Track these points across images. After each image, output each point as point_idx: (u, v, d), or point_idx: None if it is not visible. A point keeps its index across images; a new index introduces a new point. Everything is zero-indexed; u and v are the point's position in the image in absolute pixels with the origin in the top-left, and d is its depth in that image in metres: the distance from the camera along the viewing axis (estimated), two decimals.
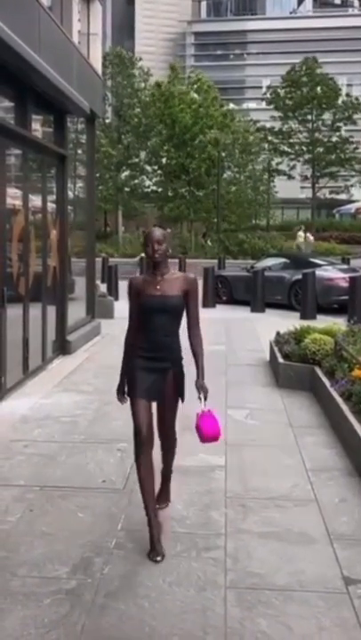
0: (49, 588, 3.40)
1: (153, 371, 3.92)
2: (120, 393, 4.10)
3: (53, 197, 9.71)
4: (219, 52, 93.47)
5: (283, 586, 3.48)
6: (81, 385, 7.86)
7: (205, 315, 14.40)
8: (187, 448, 5.53)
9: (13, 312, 7.49)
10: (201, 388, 3.95)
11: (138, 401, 3.93)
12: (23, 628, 3.09)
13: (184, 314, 3.97)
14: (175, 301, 3.87)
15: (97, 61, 12.42)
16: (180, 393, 4.06)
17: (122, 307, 14.10)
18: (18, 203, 7.89)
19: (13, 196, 7.70)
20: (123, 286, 18.62)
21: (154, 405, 4.03)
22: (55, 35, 8.90)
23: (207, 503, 4.49)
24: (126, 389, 4.05)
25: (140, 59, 44.93)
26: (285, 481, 4.91)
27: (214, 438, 3.91)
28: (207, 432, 3.88)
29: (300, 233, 34.20)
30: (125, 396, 4.06)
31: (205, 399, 3.94)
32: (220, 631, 3.08)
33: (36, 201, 8.70)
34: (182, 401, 4.10)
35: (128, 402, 4.01)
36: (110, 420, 6.19)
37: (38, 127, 9.38)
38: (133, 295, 3.92)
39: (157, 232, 3.84)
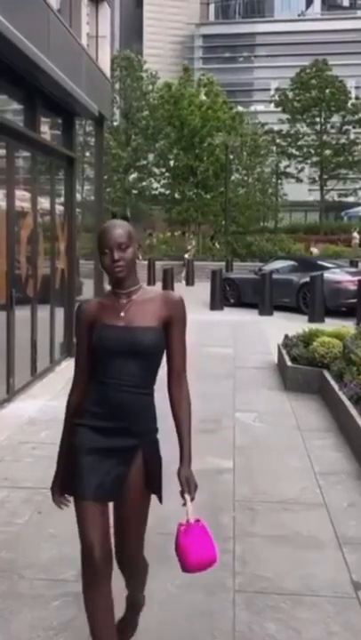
0: (57, 591, 3.40)
1: (109, 452, 2.48)
2: (56, 489, 2.63)
3: (62, 200, 9.73)
4: (227, 55, 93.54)
5: (292, 590, 3.46)
6: None
7: (213, 317, 14.60)
8: (194, 450, 5.53)
9: (22, 314, 7.51)
10: (186, 482, 2.56)
11: (84, 505, 2.46)
12: (31, 631, 3.08)
13: (164, 357, 2.62)
14: (149, 337, 2.47)
15: (105, 64, 12.45)
16: (153, 487, 2.60)
17: None
18: (26, 205, 7.91)
19: (22, 199, 7.71)
20: None
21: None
22: (64, 37, 8.92)
23: (215, 506, 4.47)
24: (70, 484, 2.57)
25: (146, 62, 45.02)
26: (294, 484, 4.89)
27: (207, 565, 2.51)
28: (196, 557, 2.45)
29: (356, 234, 34.20)
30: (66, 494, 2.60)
31: (192, 500, 2.52)
32: (228, 635, 3.07)
33: (44, 203, 8.72)
34: (160, 501, 2.66)
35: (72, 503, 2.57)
36: None
37: (47, 129, 9.41)
38: (83, 329, 2.54)
39: (118, 230, 2.45)
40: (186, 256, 26.22)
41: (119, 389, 2.49)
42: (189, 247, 27.53)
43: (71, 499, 2.55)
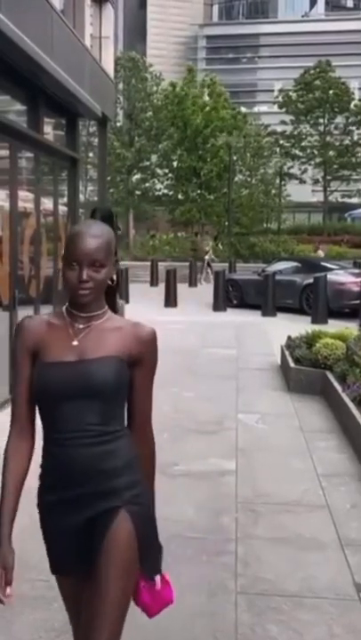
0: (58, 592, 3.38)
1: (85, 524, 1.93)
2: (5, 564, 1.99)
3: (65, 200, 9.73)
4: (230, 56, 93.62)
5: (294, 592, 3.45)
6: None
7: (216, 318, 14.59)
8: (197, 452, 5.53)
9: (24, 315, 7.50)
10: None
11: (62, 581, 2.13)
12: (33, 632, 3.08)
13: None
14: (110, 370, 1.92)
15: (109, 65, 12.46)
16: (147, 564, 2.04)
17: (132, 309, 14.19)
18: (29, 206, 7.91)
19: (25, 199, 7.72)
20: (133, 289, 18.70)
21: None
22: (67, 38, 8.93)
23: (218, 508, 4.47)
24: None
25: (152, 65, 45.11)
26: (296, 486, 4.88)
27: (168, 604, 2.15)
28: (157, 611, 2.14)
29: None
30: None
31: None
32: (230, 636, 3.06)
33: (47, 204, 8.72)
34: (155, 583, 2.11)
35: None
36: None
37: (50, 130, 9.41)
38: (23, 358, 1.96)
39: (94, 242, 1.89)
40: (206, 257, 26.27)
41: (78, 446, 1.88)
42: (207, 248, 27.58)
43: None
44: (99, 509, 1.89)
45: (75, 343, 1.93)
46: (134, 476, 1.98)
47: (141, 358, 1.98)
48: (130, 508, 1.92)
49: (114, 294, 2.05)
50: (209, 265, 25.21)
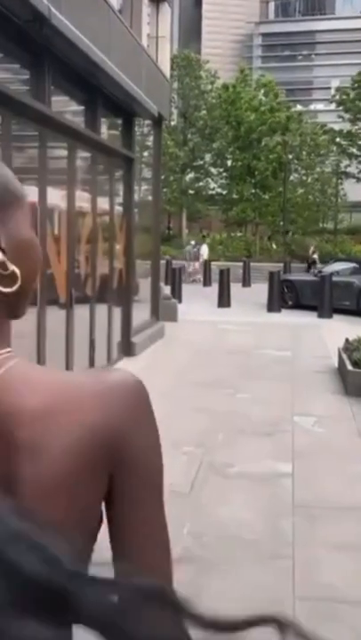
0: None
1: None
2: None
3: (120, 200, 9.78)
4: (286, 53, 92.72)
5: (354, 598, 3.36)
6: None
7: (270, 319, 14.43)
8: (252, 454, 5.47)
9: (80, 313, 7.57)
10: None
11: None
12: None
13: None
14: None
15: (165, 64, 12.46)
16: None
17: (185, 308, 14.17)
18: (86, 205, 7.98)
19: (82, 199, 7.78)
20: (186, 289, 18.71)
21: None
22: (125, 37, 8.97)
23: (274, 511, 4.40)
24: None
25: (208, 61, 45.07)
26: (353, 490, 4.77)
27: None
28: None
29: None
30: None
31: None
32: None
33: (103, 203, 8.78)
34: None
35: None
36: (175, 424, 6.16)
37: (106, 130, 9.47)
38: None
39: None
40: (314, 256, 26.47)
41: None
42: (312, 247, 27.63)
43: None
44: None
45: None
46: None
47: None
48: None
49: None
50: (315, 263, 25.45)
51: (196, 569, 3.63)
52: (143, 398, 0.85)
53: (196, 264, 26.43)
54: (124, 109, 9.44)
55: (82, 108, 8.19)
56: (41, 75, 6.36)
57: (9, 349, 0.84)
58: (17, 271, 0.84)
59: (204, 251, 27.30)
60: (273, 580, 3.53)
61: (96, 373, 0.86)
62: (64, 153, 7.22)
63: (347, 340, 8.69)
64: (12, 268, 0.83)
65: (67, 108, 7.82)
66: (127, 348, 9.73)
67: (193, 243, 29.01)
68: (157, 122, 11.76)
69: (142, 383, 0.86)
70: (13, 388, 0.79)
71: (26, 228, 0.87)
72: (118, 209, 9.60)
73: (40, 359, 6.20)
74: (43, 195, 6.33)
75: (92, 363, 8.08)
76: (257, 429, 6.15)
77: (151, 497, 0.85)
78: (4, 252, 0.83)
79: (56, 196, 6.92)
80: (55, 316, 6.79)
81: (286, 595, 3.39)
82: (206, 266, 25.08)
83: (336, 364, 8.90)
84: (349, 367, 7.79)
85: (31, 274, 0.88)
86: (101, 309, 8.53)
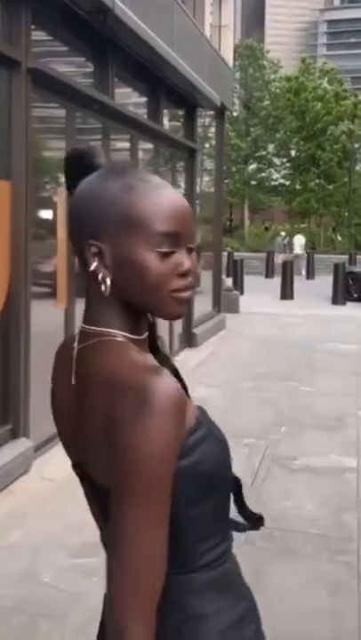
0: None
1: None
2: None
3: (183, 191, 9.78)
4: (352, 40, 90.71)
5: None
6: (207, 378, 7.85)
7: (335, 312, 14.20)
8: (316, 447, 5.39)
9: None
10: None
11: None
12: None
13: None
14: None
15: (228, 54, 12.37)
16: None
17: (247, 300, 14.06)
18: None
19: None
20: (248, 281, 18.58)
21: None
22: (188, 27, 8.93)
23: (339, 505, 4.32)
24: None
25: (269, 51, 44.54)
26: None
27: None
28: None
29: None
30: None
31: None
32: (354, 636, 2.94)
33: None
34: None
35: None
36: (237, 416, 6.13)
37: (169, 121, 9.46)
38: (174, 448, 0.98)
39: (188, 209, 1.07)
40: None
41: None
42: None
43: None
44: None
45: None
46: None
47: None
48: None
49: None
50: None
51: (261, 558, 3.60)
52: (160, 408, 0.94)
53: (283, 256, 25.20)
54: (186, 100, 9.41)
55: (145, 99, 8.21)
56: (105, 67, 6.40)
57: (111, 329, 1.07)
58: (108, 280, 1.05)
59: (299, 241, 25.49)
60: (336, 575, 3.46)
61: (150, 370, 0.99)
62: (127, 145, 7.26)
63: None
64: (102, 275, 1.05)
65: (130, 99, 7.85)
66: (189, 339, 9.73)
67: (283, 234, 27.91)
68: (220, 112, 11.68)
69: (174, 399, 0.96)
70: (97, 357, 1.05)
71: (136, 250, 1.03)
72: None
73: None
74: None
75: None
76: (321, 423, 6.05)
77: (119, 496, 0.94)
78: (104, 264, 1.05)
79: None
80: None
81: (350, 589, 3.32)
82: (269, 257, 24.67)
83: None
84: None
85: (131, 287, 1.05)
86: None
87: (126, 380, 0.97)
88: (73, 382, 1.08)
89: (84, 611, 3.00)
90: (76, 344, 1.09)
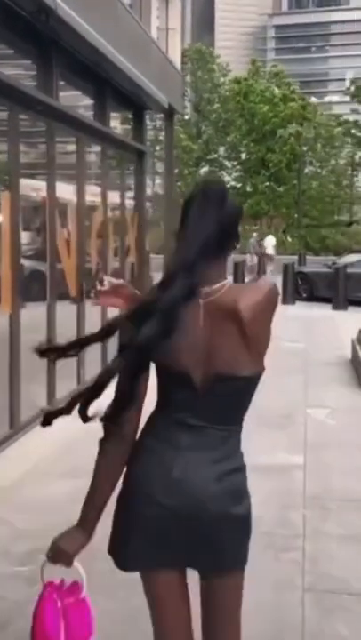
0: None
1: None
2: None
3: (132, 194, 9.76)
4: (300, 45, 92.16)
5: None
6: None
7: (284, 311, 14.32)
8: (263, 445, 5.43)
9: (92, 307, 7.56)
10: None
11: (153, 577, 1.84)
12: None
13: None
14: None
15: (176, 56, 12.44)
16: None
17: None
18: (97, 199, 7.96)
19: (92, 193, 7.77)
20: None
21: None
22: (134, 29, 8.92)
23: (285, 503, 4.37)
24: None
25: (219, 55, 44.86)
26: None
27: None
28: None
29: None
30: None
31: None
32: (296, 633, 2.97)
33: (114, 197, 8.76)
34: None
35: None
36: None
37: (117, 123, 9.44)
38: None
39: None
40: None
41: None
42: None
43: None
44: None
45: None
46: None
47: None
48: None
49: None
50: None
51: None
52: (269, 296, 1.76)
53: (255, 258, 24.63)
54: (134, 102, 9.41)
55: (91, 101, 8.17)
56: (48, 67, 6.34)
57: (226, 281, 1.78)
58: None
59: (270, 243, 25.28)
60: (282, 572, 3.50)
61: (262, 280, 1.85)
62: (73, 147, 7.21)
63: (360, 330, 8.62)
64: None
65: (75, 101, 7.80)
66: None
67: (255, 235, 27.29)
68: (169, 115, 11.72)
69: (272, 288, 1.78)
70: (232, 294, 1.75)
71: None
72: (130, 203, 9.58)
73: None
74: (52, 189, 6.32)
75: (104, 358, 8.07)
76: (269, 422, 6.10)
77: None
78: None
79: (66, 191, 6.91)
80: (65, 310, 6.79)
81: (295, 586, 3.36)
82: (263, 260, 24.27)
83: (350, 356, 8.83)
84: None
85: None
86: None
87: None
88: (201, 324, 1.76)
89: (28, 619, 2.95)
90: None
